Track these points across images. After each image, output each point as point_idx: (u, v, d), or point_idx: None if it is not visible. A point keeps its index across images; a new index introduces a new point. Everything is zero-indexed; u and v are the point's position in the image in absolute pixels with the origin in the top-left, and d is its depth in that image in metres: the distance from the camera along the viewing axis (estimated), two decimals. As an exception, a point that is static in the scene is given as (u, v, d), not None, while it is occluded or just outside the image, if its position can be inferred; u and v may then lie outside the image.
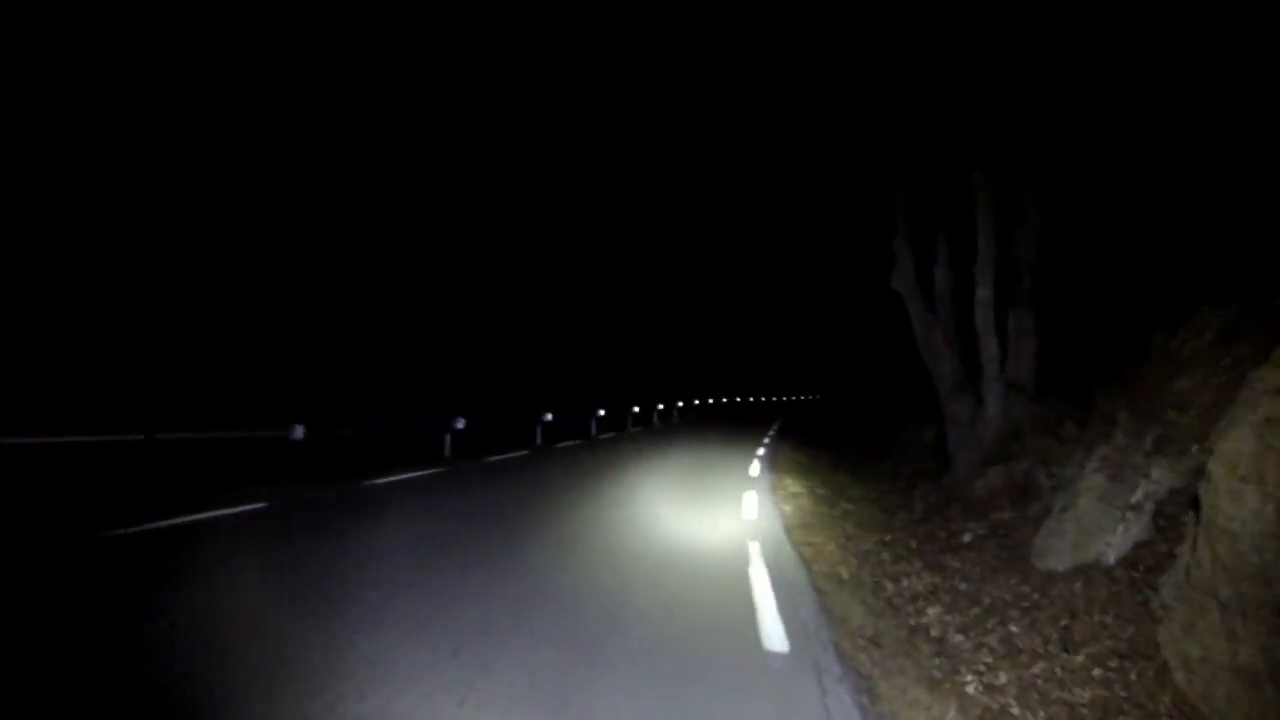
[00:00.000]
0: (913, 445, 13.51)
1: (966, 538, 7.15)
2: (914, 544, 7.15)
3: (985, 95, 8.55)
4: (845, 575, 5.83)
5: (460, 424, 13.15)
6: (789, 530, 7.05)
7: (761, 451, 15.37)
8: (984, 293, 8.99)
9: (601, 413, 20.78)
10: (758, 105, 10.74)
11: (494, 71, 22.06)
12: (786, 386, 67.90)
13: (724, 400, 42.84)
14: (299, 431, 9.47)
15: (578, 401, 20.92)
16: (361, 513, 7.02)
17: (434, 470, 10.62)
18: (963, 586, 5.69)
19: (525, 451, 14.27)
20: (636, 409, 24.48)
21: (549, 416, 16.99)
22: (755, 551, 5.93)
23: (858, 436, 21.33)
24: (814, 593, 5.02)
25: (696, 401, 35.01)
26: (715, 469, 12.17)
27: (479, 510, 7.52)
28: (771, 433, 22.24)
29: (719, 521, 7.21)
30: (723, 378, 48.26)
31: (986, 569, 6.05)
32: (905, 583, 5.79)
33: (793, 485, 10.40)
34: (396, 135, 21.64)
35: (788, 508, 8.50)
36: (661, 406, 27.47)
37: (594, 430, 20.13)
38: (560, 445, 16.09)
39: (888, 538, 7.38)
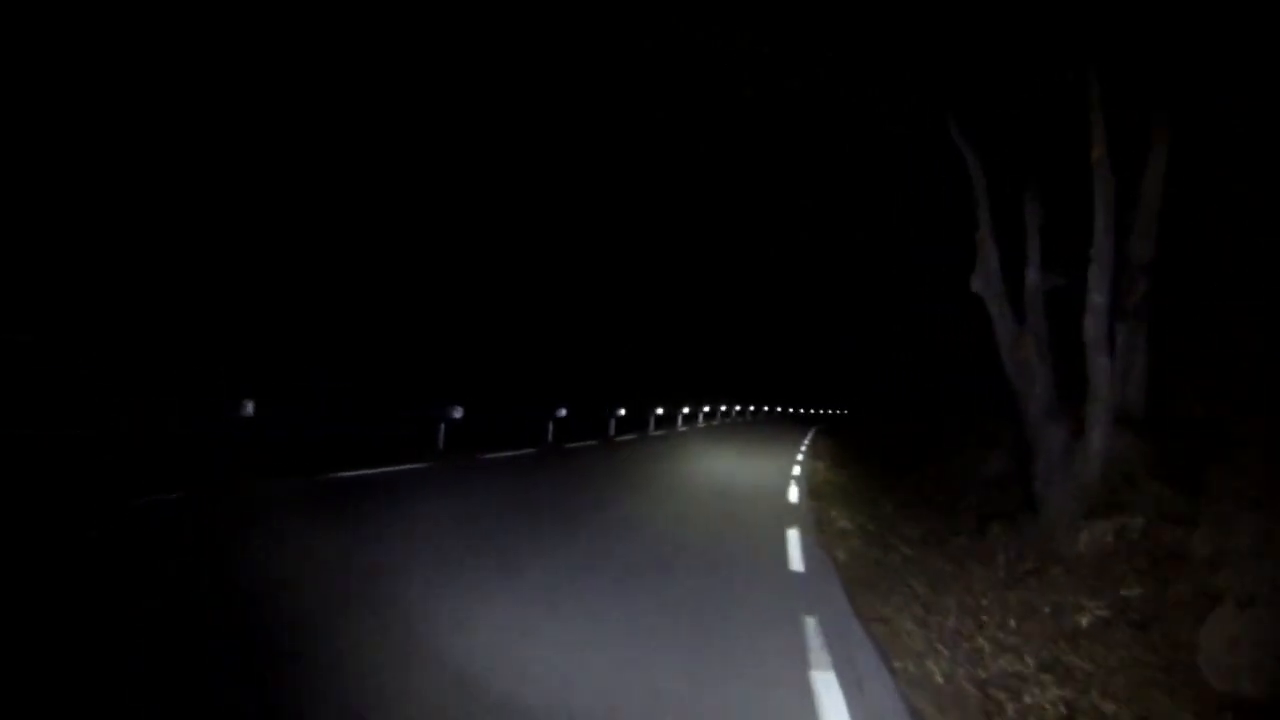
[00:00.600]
0: (969, 474, 11.70)
1: (1084, 621, 5.41)
2: (1013, 622, 5.43)
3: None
4: (939, 677, 4.15)
5: (457, 413, 11.65)
6: (850, 593, 5.35)
7: (796, 471, 13.63)
8: (1097, 298, 7.20)
9: (622, 412, 19.31)
10: (758, 105, 10.40)
11: (495, 72, 22.18)
12: (801, 395, 66.18)
13: (750, 408, 41.20)
14: (249, 408, 7.95)
15: (598, 400, 19.78)
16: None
17: (409, 467, 9.08)
18: (1109, 709, 3.98)
19: (531, 450, 12.71)
20: (660, 410, 23.02)
21: (563, 412, 15.59)
22: (813, 630, 4.25)
23: (887, 452, 19.61)
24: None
25: (723, 408, 33.52)
26: (749, 490, 10.50)
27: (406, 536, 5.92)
28: (805, 445, 20.50)
29: (762, 574, 5.53)
30: (749, 385, 46.95)
31: (1134, 681, 4.33)
32: (1026, 697, 4.08)
33: (839, 518, 8.70)
34: (397, 135, 21.62)
35: (840, 553, 6.81)
36: (686, 410, 25.99)
37: (612, 430, 18.59)
38: (571, 445, 14.59)
39: (978, 611, 5.66)
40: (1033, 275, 8.34)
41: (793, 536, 7.06)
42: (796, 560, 5.98)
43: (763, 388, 54.04)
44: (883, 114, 8.82)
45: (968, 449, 12.38)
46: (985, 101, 8.88)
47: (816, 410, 64.43)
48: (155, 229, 14.62)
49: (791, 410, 57.81)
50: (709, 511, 8.15)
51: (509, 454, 11.79)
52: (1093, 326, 7.23)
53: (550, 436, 15.14)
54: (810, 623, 4.32)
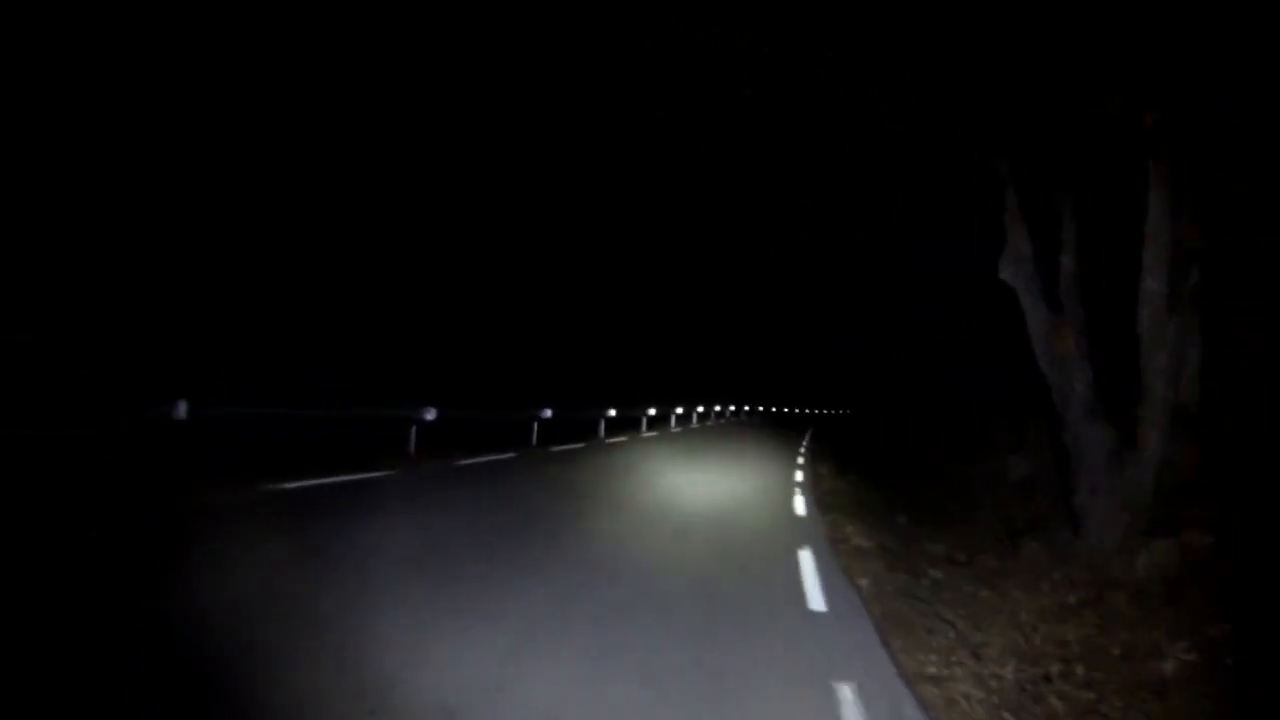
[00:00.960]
0: (986, 480, 10.78)
1: (1168, 667, 4.49)
2: (1081, 670, 4.50)
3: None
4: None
5: (429, 415, 10.70)
6: (886, 639, 4.38)
7: (800, 476, 12.69)
8: (1153, 284, 6.28)
9: (611, 413, 18.48)
10: (758, 105, 10.36)
11: (494, 71, 22.09)
12: (799, 394, 65.46)
13: (744, 408, 40.33)
14: (180, 409, 6.98)
15: (588, 400, 18.98)
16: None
17: (369, 475, 8.11)
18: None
19: (511, 454, 11.75)
20: (652, 411, 22.11)
21: (547, 413, 14.72)
22: (850, 703, 3.27)
23: (890, 456, 18.76)
24: None
25: (717, 408, 32.63)
26: (752, 501, 9.53)
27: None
28: (804, 448, 19.56)
29: (777, 619, 4.54)
30: (746, 385, 46.17)
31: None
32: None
33: (854, 534, 7.76)
34: (397, 135, 21.32)
35: (863, 580, 5.86)
36: (680, 410, 25.08)
37: (601, 432, 17.68)
38: (557, 449, 13.66)
39: (1037, 656, 4.72)
40: (1069, 261, 7.41)
41: (806, 561, 6.10)
42: (816, 596, 5.00)
43: (760, 387, 53.49)
44: (883, 114, 8.63)
45: (983, 452, 11.48)
46: (1008, 70, 7.97)
47: (814, 410, 63.58)
48: (155, 229, 14.42)
49: (788, 410, 56.91)
50: (708, 529, 7.17)
51: (487, 459, 10.82)
52: (1149, 317, 6.31)
53: (534, 439, 14.26)
54: (845, 693, 3.35)
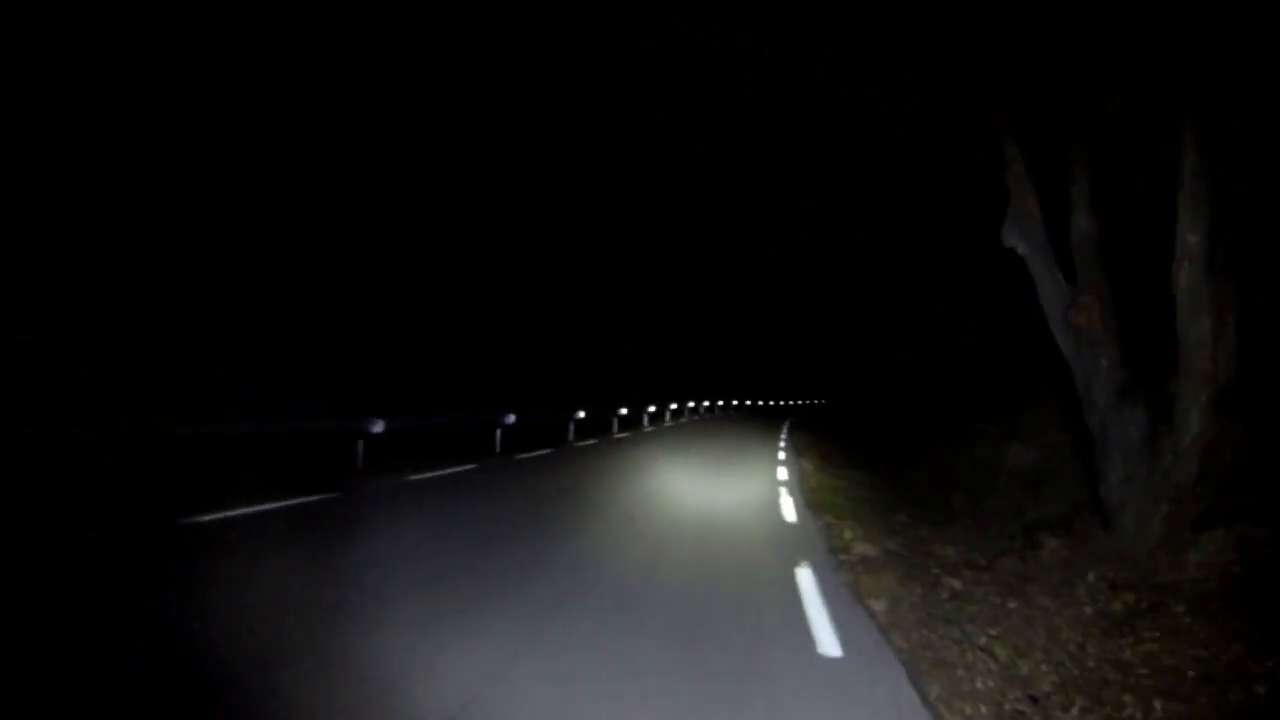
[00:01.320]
0: (988, 470, 9.99)
1: (1263, 691, 3.64)
2: (1159, 705, 3.64)
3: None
4: None
5: (377, 427, 9.65)
6: (920, 686, 3.47)
7: (784, 474, 11.80)
8: (1193, 238, 5.44)
9: (581, 414, 17.59)
10: (758, 105, 10.42)
11: (495, 71, 22.08)
12: (786, 389, 65.15)
13: (720, 403, 39.56)
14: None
15: (560, 401, 18.27)
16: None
17: (302, 500, 7.10)
18: None
19: (472, 465, 10.76)
20: (624, 411, 21.17)
21: (511, 419, 13.75)
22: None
23: (877, 447, 18.00)
24: None
25: (691, 404, 31.81)
26: (735, 507, 8.61)
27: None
28: (784, 442, 18.72)
29: (784, 672, 3.57)
30: (720, 379, 45.62)
31: None
32: None
33: (854, 540, 6.87)
34: (396, 135, 21.53)
35: (877, 603, 4.96)
36: (653, 409, 24.21)
37: (571, 435, 16.77)
38: (523, 456, 12.70)
39: (1099, 685, 3.86)
40: (1085, 222, 6.58)
41: (807, 582, 5.18)
42: (826, 634, 4.04)
43: (745, 382, 53.23)
44: (883, 114, 8.56)
45: (981, 439, 10.69)
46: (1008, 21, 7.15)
47: (794, 402, 63.18)
48: (155, 229, 14.39)
49: (767, 403, 56.30)
50: (688, 548, 6.23)
51: (445, 472, 9.83)
52: (1187, 278, 5.47)
53: (499, 447, 13.31)
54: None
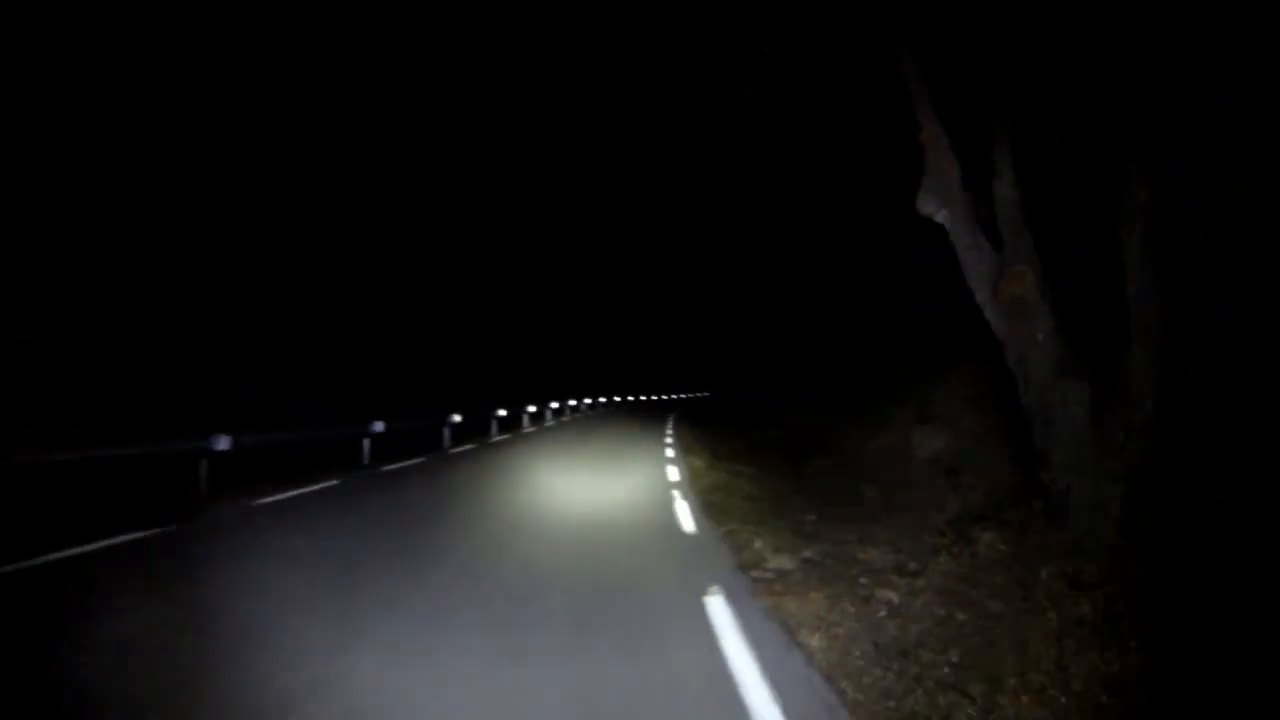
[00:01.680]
0: (896, 459, 9.26)
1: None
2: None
3: None
4: None
5: (221, 444, 8.17)
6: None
7: (674, 474, 10.75)
8: (1143, 195, 4.69)
9: (457, 418, 16.17)
10: (758, 105, 10.50)
11: (494, 71, 22.25)
12: (669, 383, 65.11)
13: (603, 400, 38.53)
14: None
15: (437, 404, 16.98)
16: None
17: (135, 535, 5.77)
18: None
19: (334, 481, 9.35)
20: (503, 412, 19.88)
21: (379, 426, 12.29)
22: None
23: (767, 437, 17.41)
24: None
25: (573, 402, 30.66)
26: (622, 515, 7.47)
27: None
28: (670, 438, 17.75)
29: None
30: (603, 376, 44.76)
31: None
32: None
33: (766, 550, 5.87)
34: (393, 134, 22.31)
35: (811, 636, 3.95)
36: (534, 408, 22.94)
37: (446, 440, 15.38)
38: (391, 467, 11.26)
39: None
40: (1006, 188, 5.80)
41: (722, 618, 4.08)
42: (761, 699, 2.93)
43: (638, 379, 52.90)
44: (883, 114, 8.17)
45: (886, 425, 9.99)
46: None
47: (684, 395, 63.05)
48: (154, 229, 14.43)
49: (657, 398, 55.79)
50: (574, 582, 4.95)
51: (300, 491, 8.39)
52: (1137, 236, 4.72)
53: (366, 458, 11.85)
54: None
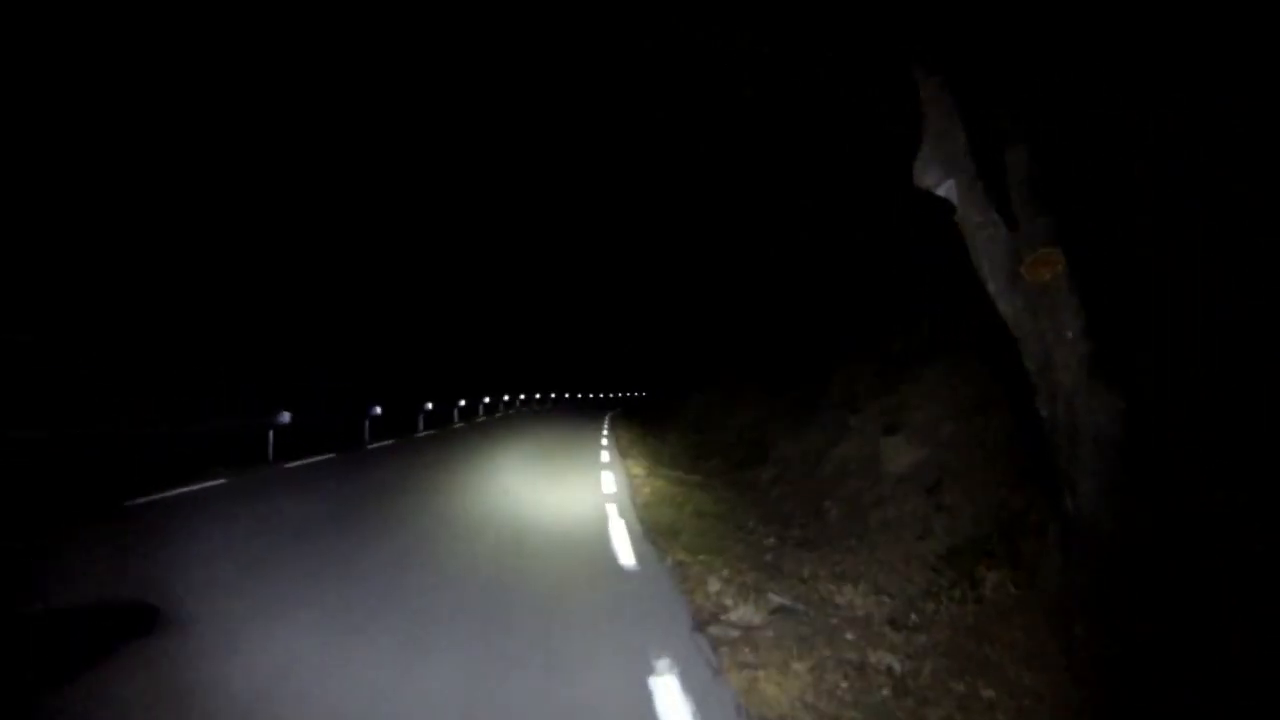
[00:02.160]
0: (863, 474, 8.17)
1: None
2: None
3: None
4: None
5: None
6: None
7: (610, 484, 9.60)
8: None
9: (378, 410, 15.18)
10: (758, 105, 10.57)
11: (494, 71, 22.17)
12: (607, 382, 64.48)
13: (538, 397, 37.52)
14: None
15: (362, 396, 16.15)
16: None
17: None
18: None
19: (226, 480, 8.33)
20: (430, 405, 19.24)
21: (285, 418, 11.38)
22: None
23: (707, 441, 16.43)
24: None
25: (506, 398, 30.17)
26: (551, 550, 6.09)
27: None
28: (606, 440, 16.56)
29: None
30: (537, 373, 43.95)
31: None
32: None
33: (727, 596, 4.73)
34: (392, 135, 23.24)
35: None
36: (464, 403, 21.77)
37: (366, 435, 14.35)
38: (296, 464, 10.24)
39: None
40: (1024, 156, 4.73)
41: (675, 713, 2.86)
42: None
43: (575, 377, 51.83)
44: (883, 114, 7.95)
45: (847, 433, 8.94)
46: None
47: (622, 394, 62.38)
48: (153, 230, 14.56)
49: (592, 396, 54.78)
50: (460, 649, 3.64)
51: (181, 491, 7.32)
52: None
53: (271, 453, 10.76)
54: None
